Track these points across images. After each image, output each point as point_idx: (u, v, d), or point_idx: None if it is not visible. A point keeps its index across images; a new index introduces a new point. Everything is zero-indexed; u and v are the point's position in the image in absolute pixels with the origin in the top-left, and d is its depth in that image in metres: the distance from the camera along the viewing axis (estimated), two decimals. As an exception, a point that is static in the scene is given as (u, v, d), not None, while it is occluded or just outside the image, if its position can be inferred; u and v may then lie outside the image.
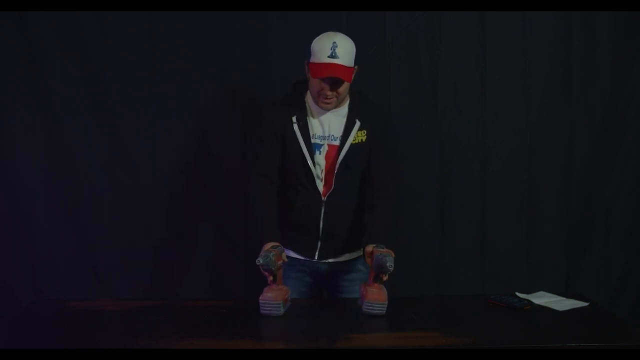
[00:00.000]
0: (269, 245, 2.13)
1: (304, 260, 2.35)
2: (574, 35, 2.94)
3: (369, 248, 2.14)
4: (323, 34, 2.20)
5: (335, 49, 2.12)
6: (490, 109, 2.95)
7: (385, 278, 2.06)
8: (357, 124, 2.24)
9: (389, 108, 2.90)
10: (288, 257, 2.23)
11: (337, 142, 2.25)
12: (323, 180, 2.26)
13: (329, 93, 2.16)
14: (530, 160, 2.98)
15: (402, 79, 2.92)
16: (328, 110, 2.24)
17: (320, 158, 2.25)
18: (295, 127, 2.23)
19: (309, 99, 2.27)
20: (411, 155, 2.95)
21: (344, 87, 2.18)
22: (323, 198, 2.26)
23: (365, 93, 2.40)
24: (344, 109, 2.27)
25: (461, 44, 2.92)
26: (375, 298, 2.02)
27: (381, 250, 2.06)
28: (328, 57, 2.12)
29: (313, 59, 2.16)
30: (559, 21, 2.93)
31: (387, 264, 1.97)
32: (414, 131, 2.94)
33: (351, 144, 2.23)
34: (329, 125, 2.25)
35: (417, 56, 2.92)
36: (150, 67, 2.88)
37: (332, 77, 2.13)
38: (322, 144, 2.25)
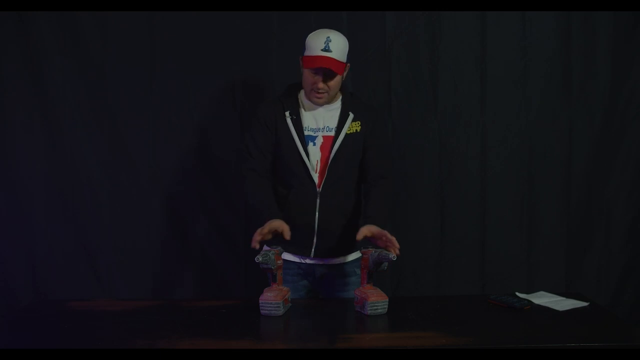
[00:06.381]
0: (274, 223, 2.13)
1: (299, 262, 2.35)
2: (574, 35, 2.93)
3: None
4: (318, 29, 2.27)
5: (329, 43, 2.20)
6: (490, 108, 2.95)
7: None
8: (351, 115, 2.30)
9: (389, 108, 2.91)
10: (283, 259, 2.24)
11: (332, 133, 2.29)
12: (318, 172, 2.28)
13: (321, 86, 2.22)
14: (530, 160, 2.98)
15: (402, 79, 2.93)
16: (320, 105, 2.30)
17: (315, 149, 2.29)
18: (289, 120, 2.28)
19: (302, 96, 2.34)
20: (411, 155, 2.95)
21: (336, 82, 2.25)
22: (318, 189, 2.27)
23: (357, 94, 2.45)
24: (337, 104, 2.33)
25: (461, 44, 2.92)
26: (377, 297, 2.03)
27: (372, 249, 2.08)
28: (322, 50, 2.20)
29: (307, 53, 2.24)
30: (559, 21, 2.93)
31: (390, 256, 2.01)
32: (414, 131, 2.94)
33: (346, 134, 2.28)
34: (323, 118, 2.31)
35: (417, 56, 2.93)
36: (150, 67, 2.88)
37: (324, 68, 2.19)
38: (316, 136, 2.30)
